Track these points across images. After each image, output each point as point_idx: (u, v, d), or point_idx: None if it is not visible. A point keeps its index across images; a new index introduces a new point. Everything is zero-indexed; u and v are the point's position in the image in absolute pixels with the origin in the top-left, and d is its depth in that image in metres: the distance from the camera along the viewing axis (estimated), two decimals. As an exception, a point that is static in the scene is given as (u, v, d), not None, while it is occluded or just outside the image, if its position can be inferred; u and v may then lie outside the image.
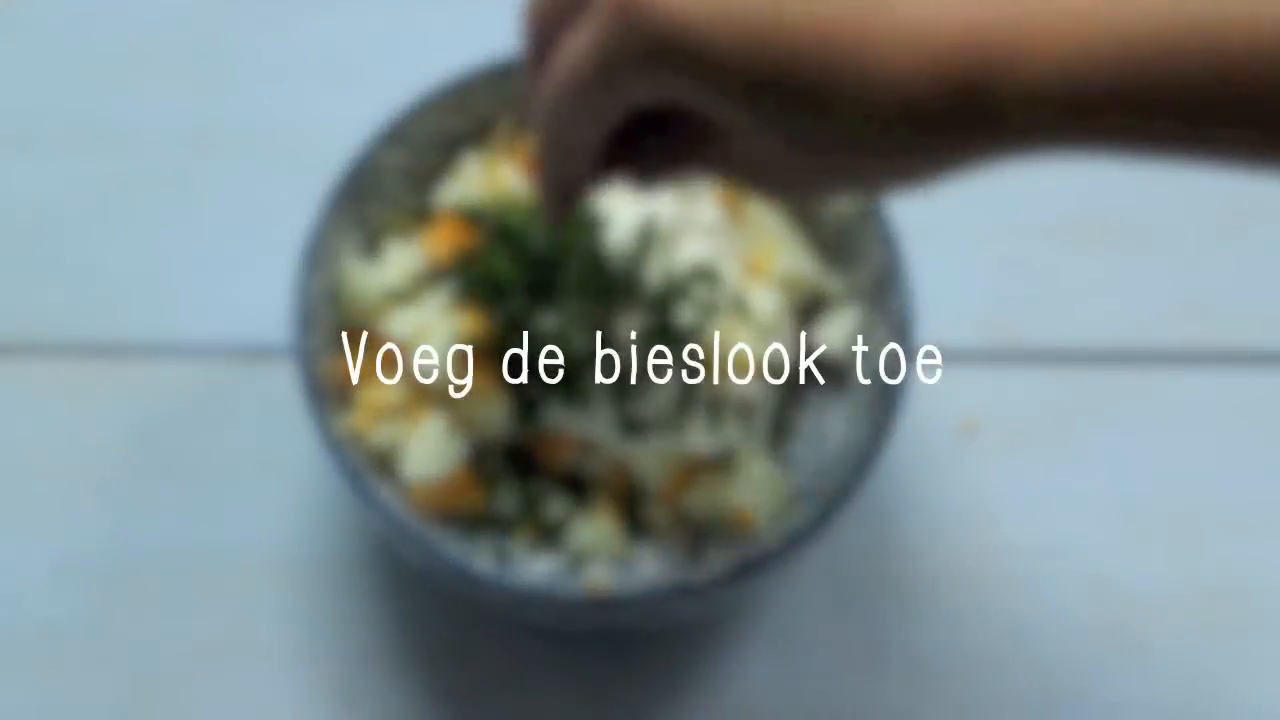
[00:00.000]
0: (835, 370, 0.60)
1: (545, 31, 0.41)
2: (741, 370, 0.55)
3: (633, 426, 0.54)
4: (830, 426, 0.59)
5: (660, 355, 0.54)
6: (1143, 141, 0.36)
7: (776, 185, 0.41)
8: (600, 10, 0.38)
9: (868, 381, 0.57)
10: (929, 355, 0.65)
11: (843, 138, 0.37)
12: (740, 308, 0.56)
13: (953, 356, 0.65)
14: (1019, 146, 0.37)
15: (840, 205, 0.58)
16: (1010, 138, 0.37)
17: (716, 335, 0.55)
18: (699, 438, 0.55)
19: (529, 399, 0.55)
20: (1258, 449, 0.64)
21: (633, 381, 0.54)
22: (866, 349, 0.58)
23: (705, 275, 0.55)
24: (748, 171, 0.41)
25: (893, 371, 0.55)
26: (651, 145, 0.43)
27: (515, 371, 0.55)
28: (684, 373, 0.54)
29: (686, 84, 0.37)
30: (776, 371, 0.56)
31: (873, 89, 0.36)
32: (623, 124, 0.41)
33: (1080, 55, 0.35)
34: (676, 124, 0.43)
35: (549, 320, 0.54)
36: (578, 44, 0.39)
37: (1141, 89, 0.35)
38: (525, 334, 0.54)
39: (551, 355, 0.54)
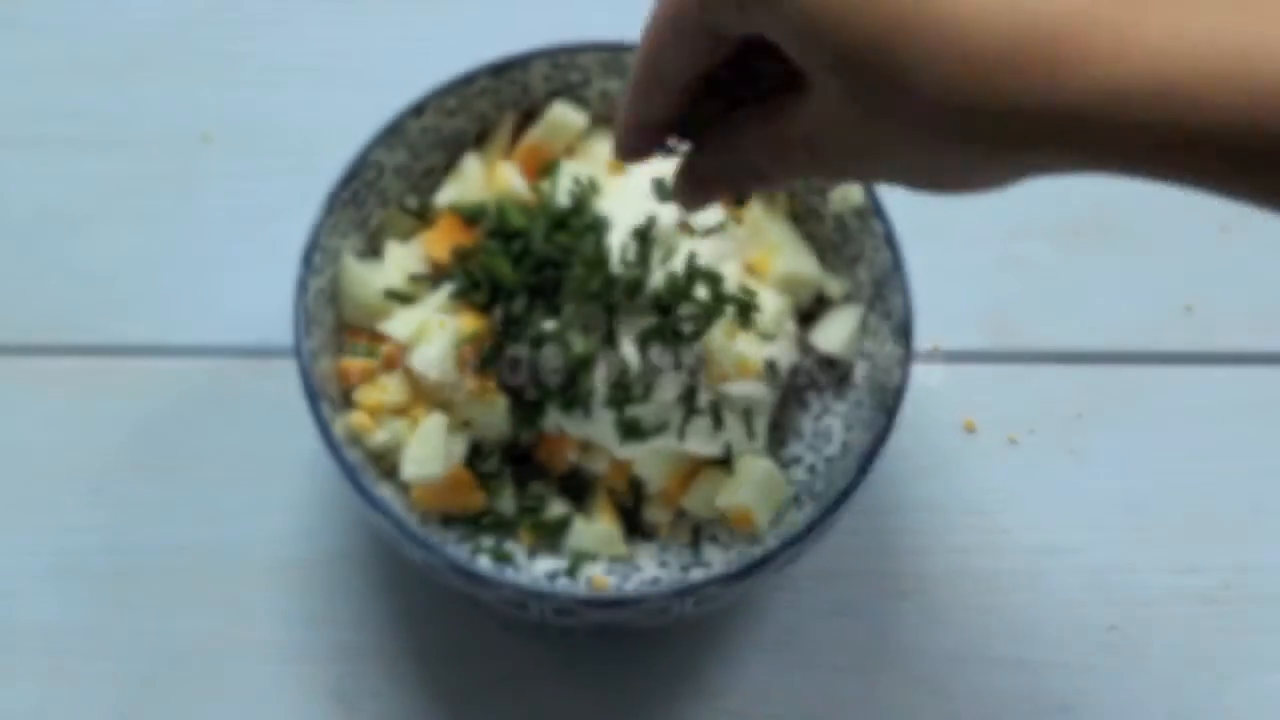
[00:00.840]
0: (835, 370, 0.60)
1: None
2: (742, 371, 0.55)
3: (633, 429, 0.54)
4: (830, 426, 0.59)
5: (661, 357, 0.54)
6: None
7: (839, 158, 0.40)
8: None
9: (868, 381, 0.57)
10: (929, 355, 0.65)
11: (915, 111, 0.36)
12: (741, 309, 0.56)
13: (953, 356, 0.65)
14: (1094, 160, 0.36)
15: (840, 204, 0.58)
16: (1084, 149, 0.35)
17: (717, 337, 0.54)
18: (700, 440, 0.55)
19: (529, 401, 0.55)
20: (1257, 449, 0.64)
21: (633, 384, 0.54)
22: (866, 349, 0.58)
23: (706, 276, 0.55)
24: (813, 139, 0.40)
25: (893, 371, 0.55)
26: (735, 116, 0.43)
27: (515, 373, 0.55)
28: (685, 375, 0.54)
29: (776, 25, 0.37)
30: (777, 372, 0.56)
31: (950, 68, 0.35)
32: (707, 87, 0.41)
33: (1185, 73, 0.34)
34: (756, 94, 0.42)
35: (549, 322, 0.54)
36: None
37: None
38: (525, 335, 0.54)
39: (552, 357, 0.54)
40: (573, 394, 0.54)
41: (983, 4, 0.35)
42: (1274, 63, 0.33)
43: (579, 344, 0.53)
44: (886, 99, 0.36)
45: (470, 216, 0.57)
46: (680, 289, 0.54)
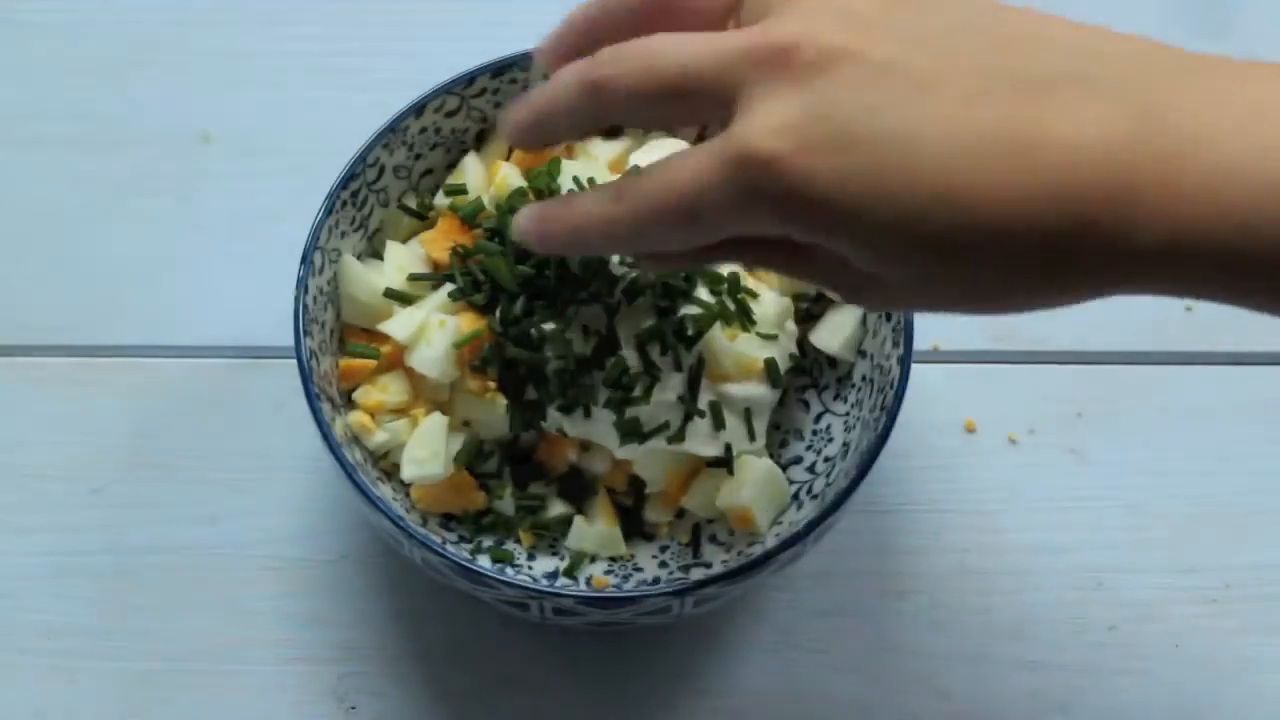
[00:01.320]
0: (835, 370, 0.60)
1: (588, 32, 0.41)
2: (743, 372, 0.55)
3: (633, 430, 0.54)
4: (830, 426, 0.59)
5: (662, 358, 0.54)
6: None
7: (877, 303, 0.41)
8: (727, 160, 0.37)
9: (868, 381, 0.57)
10: (929, 355, 0.65)
11: (959, 276, 0.37)
12: (742, 309, 0.55)
13: (953, 356, 0.65)
14: (1144, 290, 0.37)
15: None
16: (1136, 284, 0.37)
17: (718, 337, 0.54)
18: (700, 441, 0.55)
19: (528, 401, 0.55)
20: (1258, 449, 0.64)
21: (633, 385, 0.54)
22: (866, 349, 0.58)
23: (707, 277, 0.55)
24: (846, 288, 0.41)
25: (892, 372, 0.55)
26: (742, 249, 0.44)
27: (515, 374, 0.55)
28: (685, 375, 0.54)
29: (813, 232, 0.38)
30: (778, 373, 0.56)
31: (988, 237, 0.36)
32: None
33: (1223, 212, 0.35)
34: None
35: (549, 323, 0.54)
36: (686, 171, 0.39)
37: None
38: (525, 336, 0.54)
39: (552, 358, 0.54)
40: (572, 395, 0.54)
41: (1024, 183, 0.35)
42: None
43: (579, 345, 0.53)
44: (946, 258, 0.37)
45: (470, 216, 0.57)
46: (681, 290, 0.54)
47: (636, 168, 0.46)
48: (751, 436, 0.56)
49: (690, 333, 0.54)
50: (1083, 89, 0.36)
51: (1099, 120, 0.35)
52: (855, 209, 0.36)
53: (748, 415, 0.56)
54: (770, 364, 0.55)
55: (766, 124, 0.37)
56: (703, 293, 0.55)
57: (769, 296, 0.57)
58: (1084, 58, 0.36)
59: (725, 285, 0.55)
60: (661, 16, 0.42)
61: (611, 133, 0.59)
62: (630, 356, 0.53)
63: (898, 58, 0.36)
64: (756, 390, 0.55)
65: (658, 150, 0.58)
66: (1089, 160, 0.35)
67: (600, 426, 0.54)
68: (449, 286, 0.56)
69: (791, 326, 0.58)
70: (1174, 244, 0.35)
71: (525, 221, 0.44)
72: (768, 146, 0.37)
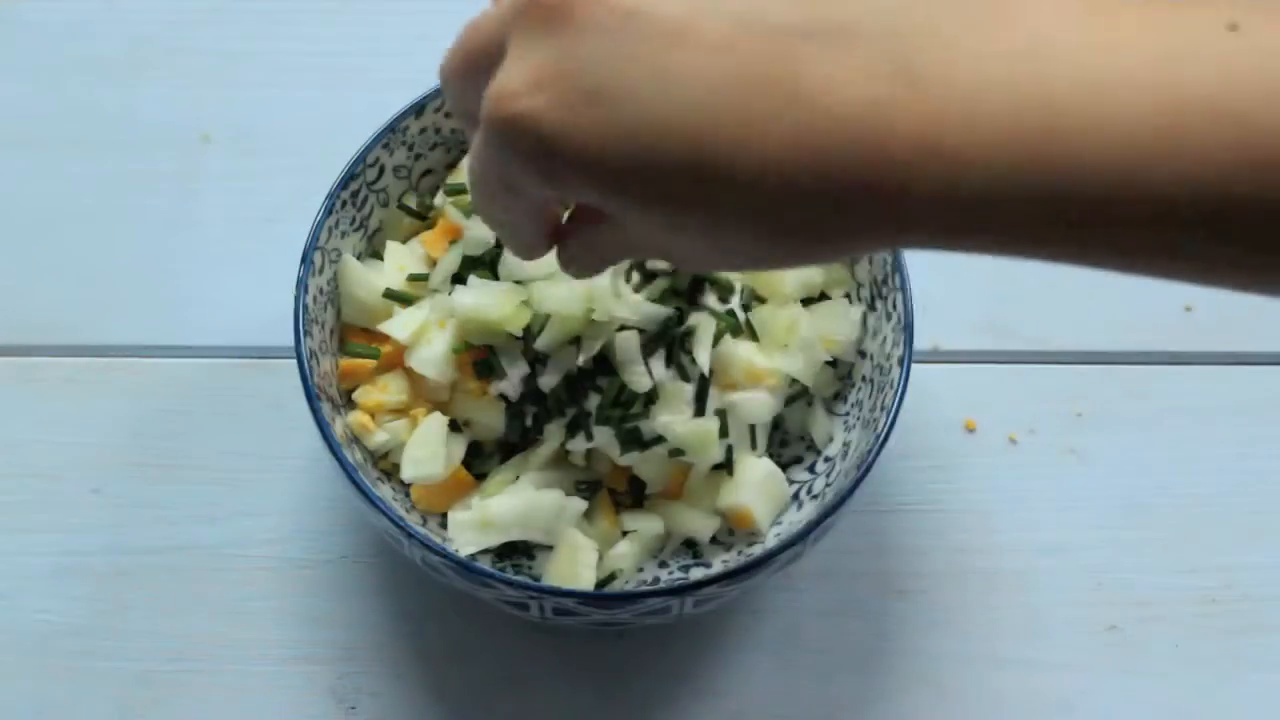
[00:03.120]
0: (835, 370, 0.60)
1: (461, 87, 0.41)
2: (751, 381, 0.55)
3: (634, 440, 0.54)
4: (830, 426, 0.59)
5: (665, 370, 0.54)
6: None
7: (674, 261, 0.41)
8: (483, 121, 0.37)
9: (868, 382, 0.57)
10: (929, 355, 0.65)
11: (724, 232, 0.36)
12: (746, 318, 0.55)
13: (953, 356, 0.65)
14: (897, 244, 0.36)
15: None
16: (903, 241, 0.36)
17: (726, 346, 0.54)
18: (703, 449, 0.55)
19: (528, 412, 0.55)
20: (1257, 449, 0.64)
21: (634, 404, 0.53)
22: (866, 349, 0.58)
23: (717, 286, 0.55)
24: (651, 252, 0.41)
25: (892, 372, 0.54)
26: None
27: (513, 389, 0.55)
28: (692, 386, 0.54)
29: (574, 188, 0.37)
30: (787, 381, 0.56)
31: (743, 190, 0.35)
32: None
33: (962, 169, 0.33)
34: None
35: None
36: (475, 146, 0.39)
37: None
38: (526, 350, 0.54)
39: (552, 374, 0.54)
40: (573, 413, 0.54)
41: (775, 150, 0.34)
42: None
43: (580, 361, 0.53)
44: (702, 209, 0.36)
45: (470, 216, 0.57)
46: (685, 298, 0.54)
47: None
48: (755, 445, 0.56)
49: (697, 343, 0.54)
50: (843, 38, 0.34)
51: (856, 72, 0.33)
52: (599, 160, 0.35)
53: (753, 423, 0.56)
54: (779, 374, 0.55)
55: (515, 77, 0.36)
56: (712, 301, 0.55)
57: (774, 304, 0.56)
58: (848, 2, 0.34)
59: (735, 294, 0.55)
60: None
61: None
62: (634, 368, 0.53)
63: (643, 5, 0.35)
64: (765, 400, 0.55)
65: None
66: (846, 116, 0.33)
67: (600, 437, 0.54)
68: (450, 287, 0.56)
69: (800, 334, 0.57)
70: (940, 200, 0.34)
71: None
72: (513, 103, 0.36)
